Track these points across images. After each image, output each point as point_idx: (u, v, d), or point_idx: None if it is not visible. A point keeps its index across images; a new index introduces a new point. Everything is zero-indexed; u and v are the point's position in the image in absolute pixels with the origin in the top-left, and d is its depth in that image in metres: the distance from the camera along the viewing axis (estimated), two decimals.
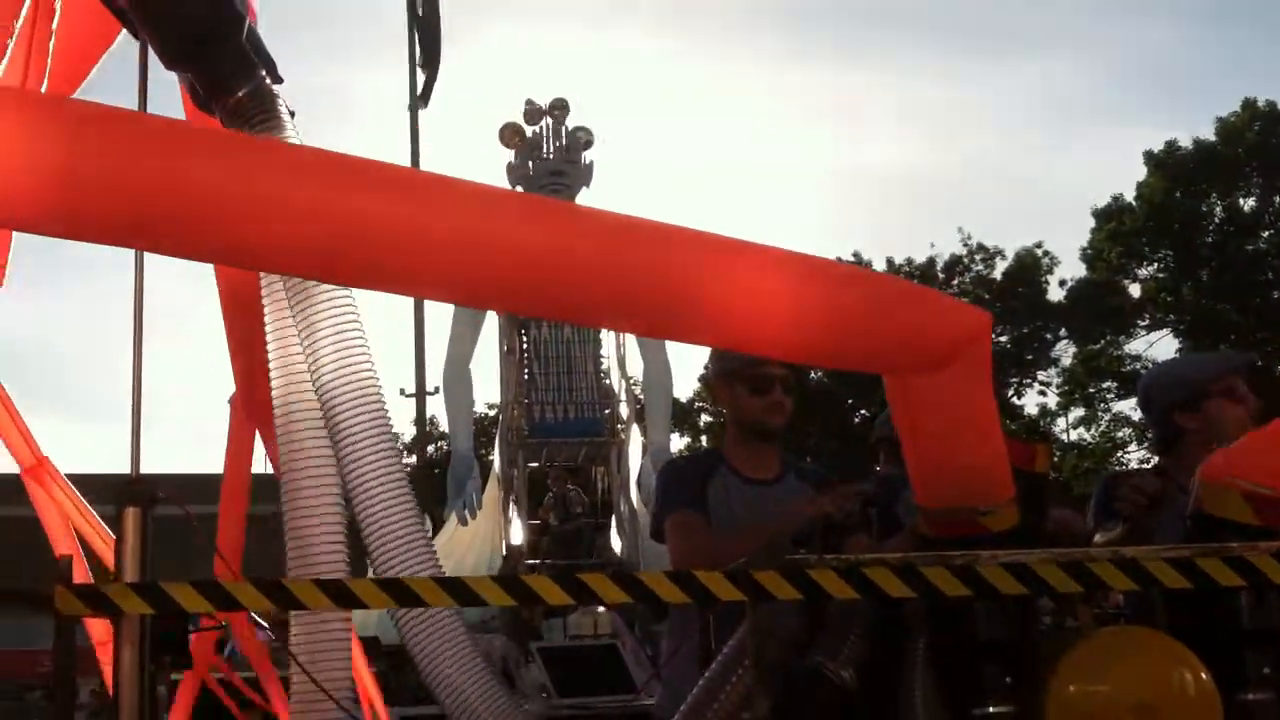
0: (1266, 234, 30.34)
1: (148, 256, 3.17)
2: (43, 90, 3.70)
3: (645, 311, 2.41)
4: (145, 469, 3.07)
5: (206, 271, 3.79)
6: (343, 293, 3.10)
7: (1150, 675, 2.21)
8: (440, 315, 34.93)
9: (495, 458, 11.53)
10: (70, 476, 4.70)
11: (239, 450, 4.03)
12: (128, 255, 3.18)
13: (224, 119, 3.18)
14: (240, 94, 3.13)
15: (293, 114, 3.25)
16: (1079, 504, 3.51)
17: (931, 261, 33.89)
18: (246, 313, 3.55)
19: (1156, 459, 3.41)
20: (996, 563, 2.11)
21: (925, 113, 55.01)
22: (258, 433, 3.88)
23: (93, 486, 4.70)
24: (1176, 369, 3.67)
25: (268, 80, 3.21)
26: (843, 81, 56.78)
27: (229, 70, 3.12)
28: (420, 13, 10.96)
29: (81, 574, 3.47)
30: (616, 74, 56.10)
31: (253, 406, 3.78)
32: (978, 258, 33.76)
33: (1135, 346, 32.22)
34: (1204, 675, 2.19)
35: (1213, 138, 30.63)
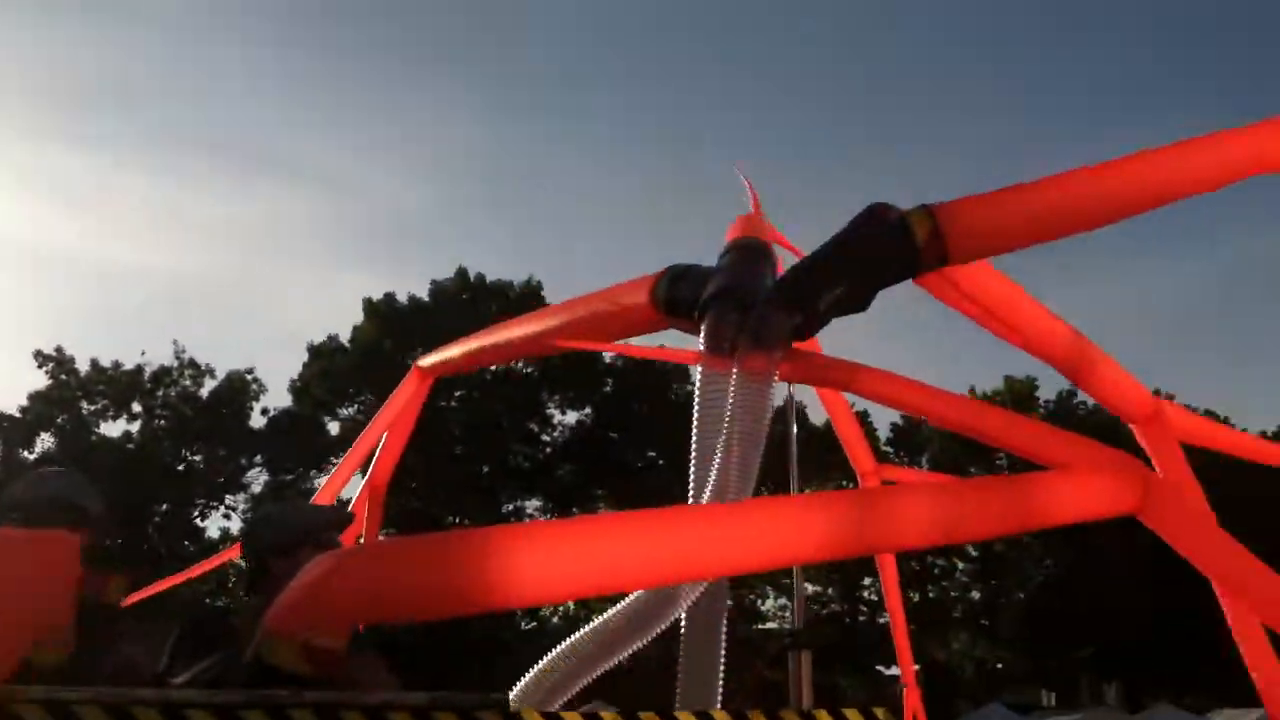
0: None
1: None
2: None
3: None
4: None
5: None
6: None
7: None
8: None
9: None
10: None
11: None
12: None
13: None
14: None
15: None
16: None
17: (140, 369, 32.62)
18: None
19: (246, 597, 3.30)
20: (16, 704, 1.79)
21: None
22: None
23: None
24: (279, 514, 3.67)
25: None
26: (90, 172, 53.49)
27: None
28: None
29: None
30: None
31: None
32: (188, 372, 33.04)
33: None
34: None
35: (426, 297, 33.41)
